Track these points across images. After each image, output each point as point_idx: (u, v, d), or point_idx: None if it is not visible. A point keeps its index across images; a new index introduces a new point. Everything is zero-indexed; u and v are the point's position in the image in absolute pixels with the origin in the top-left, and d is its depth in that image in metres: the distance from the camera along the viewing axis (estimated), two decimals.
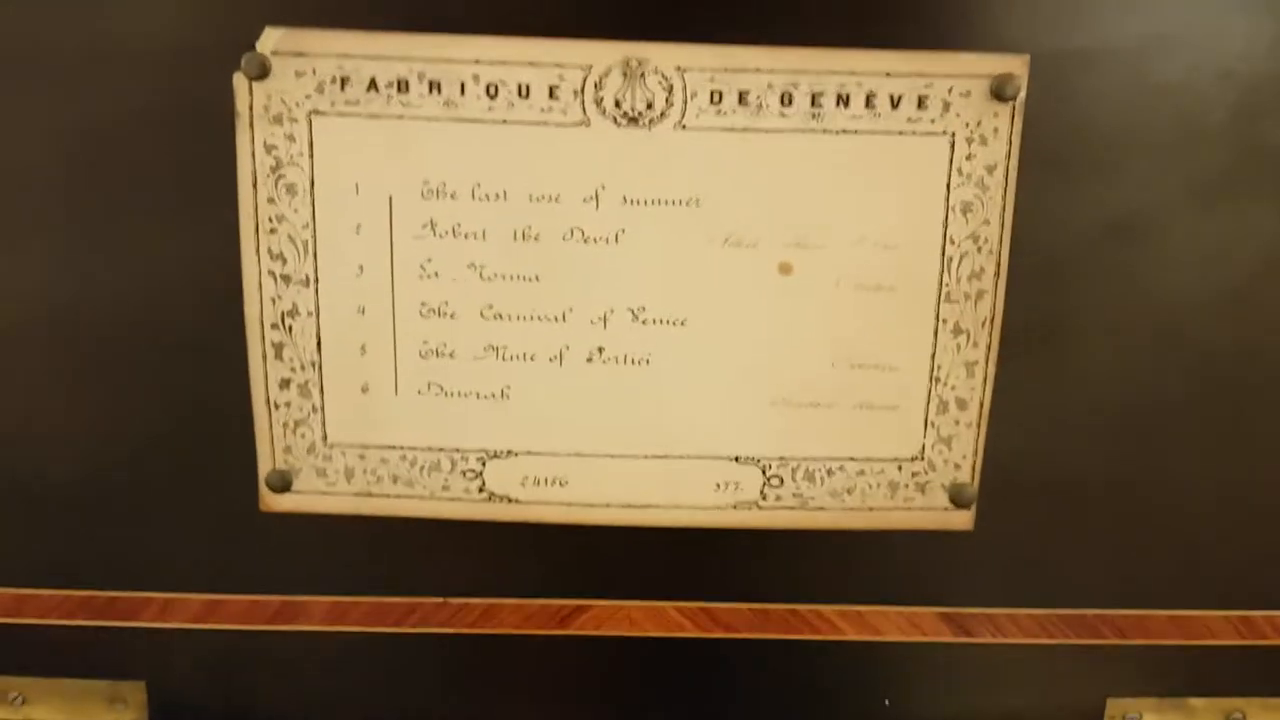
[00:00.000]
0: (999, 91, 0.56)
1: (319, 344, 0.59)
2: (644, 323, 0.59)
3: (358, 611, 0.65)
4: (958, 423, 0.61)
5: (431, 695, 0.67)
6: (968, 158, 0.57)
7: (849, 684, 0.67)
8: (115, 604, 0.65)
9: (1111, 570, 0.65)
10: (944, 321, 0.59)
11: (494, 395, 0.61)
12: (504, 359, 0.60)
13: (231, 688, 0.67)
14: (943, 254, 0.58)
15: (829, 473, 0.62)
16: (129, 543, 0.64)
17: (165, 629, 0.65)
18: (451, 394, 0.61)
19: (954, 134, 0.57)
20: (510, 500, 0.62)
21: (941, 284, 0.59)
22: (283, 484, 0.62)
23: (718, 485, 0.62)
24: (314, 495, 0.62)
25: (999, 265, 0.59)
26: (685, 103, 0.56)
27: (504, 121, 0.56)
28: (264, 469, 0.62)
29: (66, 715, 0.67)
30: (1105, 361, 0.61)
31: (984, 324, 0.60)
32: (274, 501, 0.62)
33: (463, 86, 0.55)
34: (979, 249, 0.58)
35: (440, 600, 0.65)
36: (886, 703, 0.68)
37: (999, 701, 0.68)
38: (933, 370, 0.60)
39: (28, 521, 0.64)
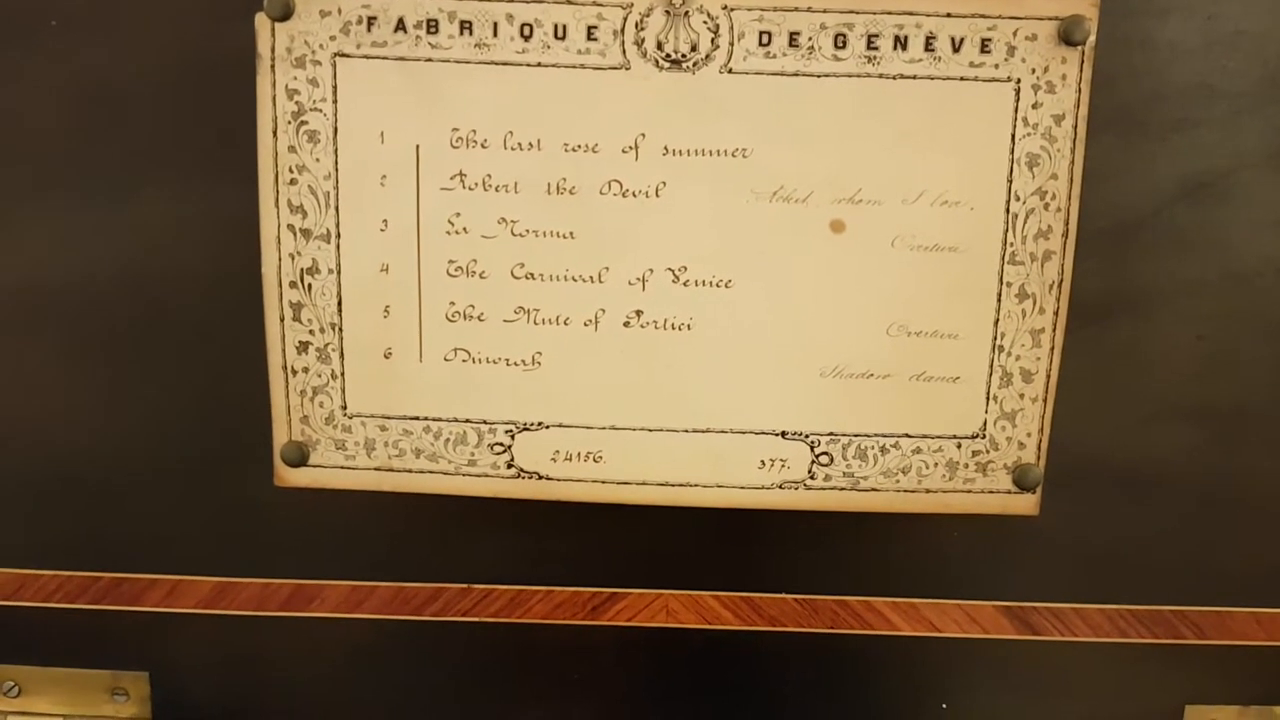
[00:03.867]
0: (1068, 35, 0.52)
1: (340, 305, 0.56)
2: (685, 284, 0.56)
3: (376, 597, 0.62)
4: (1023, 396, 0.57)
5: (453, 687, 0.64)
6: (1034, 106, 0.53)
7: (902, 683, 0.63)
8: (119, 587, 0.62)
9: (1190, 562, 0.61)
10: (1008, 285, 0.56)
11: (524, 362, 0.57)
12: (535, 323, 0.56)
13: (240, 678, 0.63)
14: (1007, 211, 0.55)
15: (882, 450, 0.58)
16: (134, 521, 0.61)
17: (171, 614, 0.62)
18: (479, 361, 0.57)
19: (1019, 81, 0.53)
20: (540, 477, 0.58)
21: (1006, 244, 0.55)
22: (299, 457, 0.58)
23: (763, 463, 0.58)
24: (332, 470, 0.58)
25: (1068, 224, 0.55)
26: (732, 45, 0.53)
27: (539, 64, 0.53)
28: (279, 441, 0.58)
29: (64, 707, 0.63)
30: (1184, 333, 0.57)
31: (1051, 288, 0.56)
32: (289, 476, 0.58)
33: (495, 27, 0.53)
34: (1046, 206, 0.55)
35: (464, 586, 0.62)
36: (944, 706, 0.63)
37: (1066, 706, 0.63)
38: (995, 339, 0.56)
39: (27, 498, 0.61)
